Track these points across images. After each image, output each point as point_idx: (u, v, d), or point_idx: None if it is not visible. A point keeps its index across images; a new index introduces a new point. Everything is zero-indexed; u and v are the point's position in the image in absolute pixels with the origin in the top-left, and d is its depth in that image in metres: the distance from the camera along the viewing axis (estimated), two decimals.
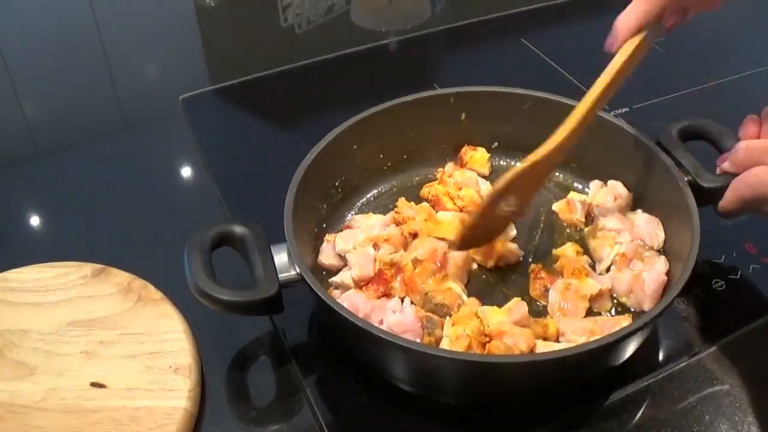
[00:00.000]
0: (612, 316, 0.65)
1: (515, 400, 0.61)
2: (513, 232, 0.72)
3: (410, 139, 0.77)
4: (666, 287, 0.63)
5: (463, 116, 0.78)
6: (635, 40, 0.63)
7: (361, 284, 0.65)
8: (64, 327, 0.65)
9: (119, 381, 0.61)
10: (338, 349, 0.64)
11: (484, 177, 0.78)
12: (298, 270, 0.60)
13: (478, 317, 0.61)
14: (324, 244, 0.69)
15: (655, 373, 0.63)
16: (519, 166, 0.65)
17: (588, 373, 0.60)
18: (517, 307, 0.62)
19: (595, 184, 0.75)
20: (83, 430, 0.58)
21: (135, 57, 1.10)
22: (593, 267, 0.69)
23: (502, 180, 0.64)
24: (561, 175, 0.79)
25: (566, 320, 0.63)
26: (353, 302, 0.63)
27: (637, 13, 0.62)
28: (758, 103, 0.67)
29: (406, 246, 0.69)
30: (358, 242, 0.67)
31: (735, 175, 0.64)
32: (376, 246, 0.67)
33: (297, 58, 1.03)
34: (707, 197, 0.66)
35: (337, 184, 0.74)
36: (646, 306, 0.63)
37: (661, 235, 0.69)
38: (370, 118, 0.74)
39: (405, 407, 0.60)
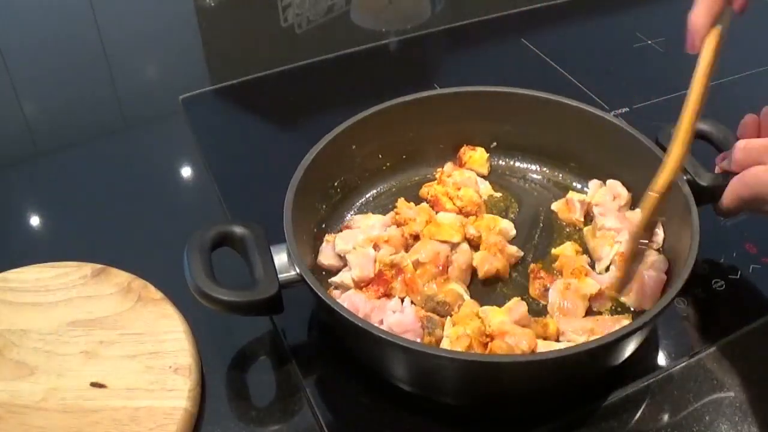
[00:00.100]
0: (612, 315, 0.65)
1: (515, 400, 0.61)
2: (513, 232, 0.72)
3: (410, 139, 0.77)
4: (666, 287, 0.63)
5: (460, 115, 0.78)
6: (714, 35, 0.62)
7: (361, 285, 0.65)
8: (64, 327, 0.65)
9: (119, 381, 0.61)
10: (338, 349, 0.64)
11: (483, 177, 0.78)
12: (297, 270, 0.60)
13: (479, 317, 0.61)
14: (324, 244, 0.69)
15: (655, 373, 0.63)
16: (652, 195, 0.63)
17: (588, 373, 0.60)
18: (516, 306, 0.62)
19: (594, 183, 0.75)
20: (83, 430, 0.58)
21: (135, 57, 1.10)
22: (592, 266, 0.69)
23: (644, 214, 0.64)
24: (560, 175, 0.79)
25: (566, 320, 0.63)
26: (353, 302, 0.63)
27: (707, 4, 0.61)
28: (758, 103, 0.67)
29: (406, 247, 0.69)
30: (357, 243, 0.67)
31: (734, 174, 0.64)
32: (376, 246, 0.67)
33: (297, 58, 1.03)
34: (706, 196, 0.66)
35: (336, 184, 0.74)
36: (646, 305, 0.63)
37: (660, 235, 0.69)
38: (369, 118, 0.74)
39: (405, 407, 0.60)
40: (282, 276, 0.60)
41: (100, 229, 0.78)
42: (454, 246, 0.69)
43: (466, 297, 0.64)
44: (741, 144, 0.65)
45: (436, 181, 0.76)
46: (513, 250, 0.70)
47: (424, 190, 0.76)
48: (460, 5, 1.22)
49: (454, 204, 0.73)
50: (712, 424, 0.59)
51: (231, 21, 1.19)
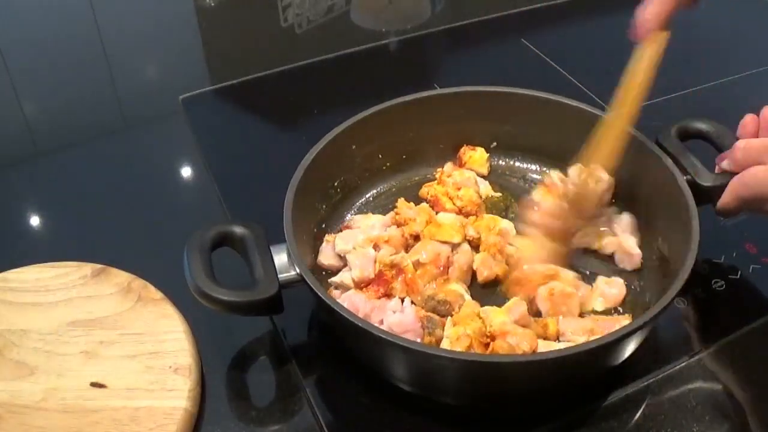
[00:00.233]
0: (607, 312, 0.66)
1: (515, 400, 0.61)
2: (513, 232, 0.72)
3: (410, 139, 0.77)
4: (666, 287, 0.63)
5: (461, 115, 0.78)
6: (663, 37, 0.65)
7: (361, 285, 0.65)
8: (64, 327, 0.65)
9: (119, 381, 0.61)
10: (338, 349, 0.64)
11: (483, 177, 0.78)
12: (297, 270, 0.60)
13: (480, 318, 0.61)
14: (324, 244, 0.69)
15: (655, 373, 0.62)
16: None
17: (588, 373, 0.60)
18: (516, 306, 0.62)
19: (576, 168, 0.76)
20: (83, 430, 0.58)
21: (135, 57, 1.10)
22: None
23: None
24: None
25: (566, 320, 0.63)
26: (353, 302, 0.63)
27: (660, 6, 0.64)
28: (758, 103, 0.67)
29: (406, 247, 0.69)
30: (358, 243, 0.67)
31: (734, 174, 0.64)
32: (376, 247, 0.67)
33: (297, 58, 1.03)
34: (706, 196, 0.66)
35: (336, 184, 0.74)
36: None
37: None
38: (369, 118, 0.74)
39: (405, 407, 0.60)
40: (282, 276, 0.60)
41: (100, 229, 0.78)
42: (454, 246, 0.69)
43: (467, 297, 0.64)
44: (741, 144, 0.65)
45: (435, 182, 0.76)
46: (512, 250, 0.70)
47: (424, 190, 0.76)
48: (460, 5, 1.22)
49: (453, 204, 0.73)
50: (712, 424, 0.59)
51: (231, 21, 1.19)
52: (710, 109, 0.90)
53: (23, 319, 0.65)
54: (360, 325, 0.55)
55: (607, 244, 0.70)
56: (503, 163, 0.80)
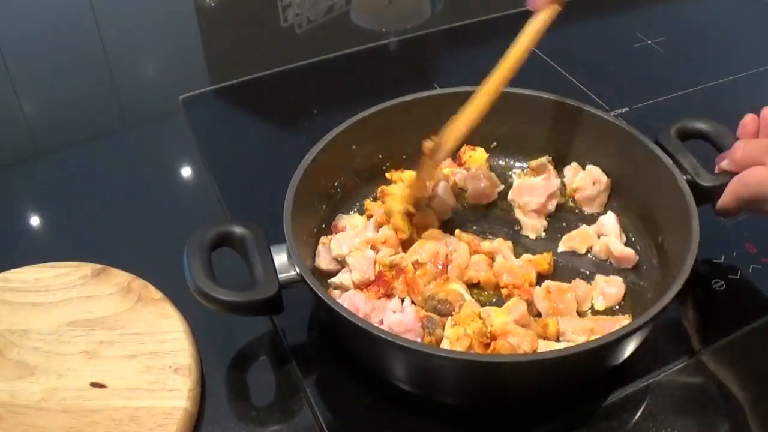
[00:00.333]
0: (607, 311, 0.66)
1: (516, 400, 0.61)
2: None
3: (410, 139, 0.77)
4: (666, 287, 0.63)
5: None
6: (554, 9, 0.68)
7: (361, 287, 0.65)
8: (64, 327, 0.65)
9: (119, 381, 0.61)
10: (338, 349, 0.64)
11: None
12: (297, 270, 0.60)
13: (481, 318, 0.61)
14: (319, 246, 0.69)
15: (655, 373, 0.63)
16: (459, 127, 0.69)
17: (588, 373, 0.60)
18: (515, 306, 0.62)
19: (571, 168, 0.76)
20: (83, 430, 0.58)
21: (135, 57, 1.10)
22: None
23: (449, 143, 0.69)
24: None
25: (566, 320, 0.63)
26: (353, 302, 0.63)
27: None
28: (758, 103, 0.67)
29: (405, 247, 0.69)
30: (355, 245, 0.67)
31: (734, 174, 0.64)
32: (374, 248, 0.67)
33: (297, 58, 1.03)
34: (706, 196, 0.66)
35: (336, 184, 0.74)
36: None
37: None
38: (369, 118, 0.74)
39: (405, 407, 0.60)
40: (282, 276, 0.60)
41: (100, 229, 0.78)
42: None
43: (467, 297, 0.64)
44: (740, 144, 0.65)
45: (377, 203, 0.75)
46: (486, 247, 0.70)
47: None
48: (460, 5, 1.22)
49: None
50: (712, 424, 0.59)
51: (231, 21, 1.19)
52: (710, 109, 0.90)
53: (23, 319, 0.65)
54: (360, 325, 0.55)
55: (599, 252, 0.70)
56: (503, 163, 0.80)
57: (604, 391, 0.61)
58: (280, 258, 0.61)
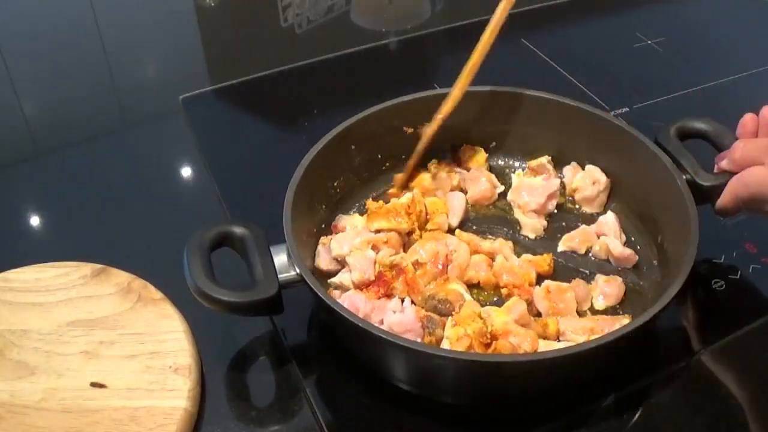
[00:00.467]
0: (607, 311, 0.66)
1: (516, 400, 0.61)
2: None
3: (410, 139, 0.77)
4: (666, 287, 0.63)
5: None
6: None
7: (361, 287, 0.65)
8: (64, 327, 0.65)
9: (119, 381, 0.61)
10: (338, 349, 0.64)
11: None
12: (297, 270, 0.60)
13: (481, 318, 0.61)
14: (319, 247, 0.69)
15: (655, 373, 0.63)
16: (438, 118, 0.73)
17: (588, 372, 0.60)
18: (516, 305, 0.62)
19: (571, 167, 0.76)
20: (83, 430, 0.58)
21: (135, 57, 1.10)
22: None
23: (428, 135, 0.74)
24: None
25: (566, 319, 0.63)
26: (353, 302, 0.63)
27: None
28: (758, 103, 0.67)
29: (405, 247, 0.69)
30: (355, 245, 0.67)
31: (733, 173, 0.64)
32: (375, 248, 0.67)
33: (297, 58, 1.03)
34: (706, 196, 0.66)
35: (336, 184, 0.74)
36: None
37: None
38: (369, 118, 0.74)
39: (405, 407, 0.60)
40: (282, 276, 0.60)
41: (100, 229, 0.78)
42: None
43: (467, 297, 0.64)
44: (740, 144, 0.65)
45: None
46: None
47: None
48: (460, 5, 1.22)
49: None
50: (712, 424, 0.59)
51: (231, 21, 1.19)
52: (710, 109, 0.90)
53: (23, 319, 0.65)
54: (360, 325, 0.55)
55: (599, 252, 0.70)
56: (503, 163, 0.80)
57: (604, 391, 0.61)
58: (280, 258, 0.61)
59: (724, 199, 0.65)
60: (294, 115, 0.93)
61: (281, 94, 0.97)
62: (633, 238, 0.72)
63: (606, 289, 0.66)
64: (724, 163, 0.66)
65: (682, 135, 0.71)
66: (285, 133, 0.93)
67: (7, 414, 0.59)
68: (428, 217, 0.72)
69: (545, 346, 0.60)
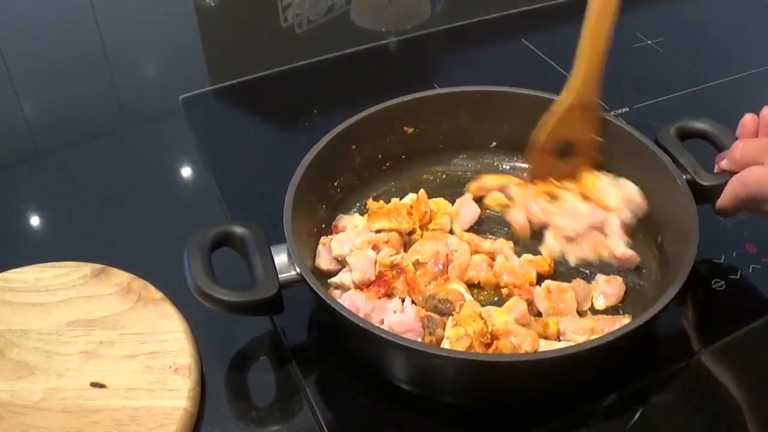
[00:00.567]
0: (607, 311, 0.66)
1: (516, 400, 0.61)
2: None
3: (410, 139, 0.77)
4: (666, 287, 0.63)
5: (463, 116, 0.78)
6: None
7: (361, 287, 0.65)
8: (64, 327, 0.65)
9: (119, 381, 0.61)
10: (338, 349, 0.64)
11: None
12: (298, 270, 0.60)
13: (482, 318, 0.61)
14: (320, 247, 0.69)
15: (655, 373, 0.63)
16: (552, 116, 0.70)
17: (589, 372, 0.60)
18: (516, 305, 0.62)
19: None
20: (83, 430, 0.58)
21: (135, 57, 1.10)
22: None
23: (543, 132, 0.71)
24: None
25: (566, 319, 0.63)
26: (353, 302, 0.63)
27: None
28: (758, 103, 0.67)
29: (406, 247, 0.69)
30: (356, 245, 0.67)
31: (733, 173, 0.64)
32: (375, 248, 0.67)
33: (297, 58, 1.03)
34: (706, 196, 0.66)
35: (336, 184, 0.74)
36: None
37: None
38: (369, 118, 0.74)
39: (405, 407, 0.60)
40: (282, 276, 0.60)
41: (100, 229, 0.78)
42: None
43: (468, 296, 0.64)
44: (740, 143, 0.65)
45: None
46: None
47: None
48: (460, 5, 1.22)
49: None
50: (712, 424, 0.59)
51: (231, 21, 1.19)
52: (710, 109, 0.90)
53: (23, 319, 0.65)
54: (360, 324, 0.55)
55: (605, 257, 0.70)
56: (503, 163, 0.80)
57: (604, 391, 0.61)
58: (280, 258, 0.61)
59: (724, 199, 0.65)
60: (294, 115, 0.93)
61: (281, 94, 0.97)
62: (633, 239, 0.72)
63: (606, 289, 0.66)
64: (724, 163, 0.66)
65: (682, 135, 0.71)
66: (285, 133, 0.93)
67: (7, 414, 0.59)
68: (431, 217, 0.72)
69: (545, 346, 0.60)
